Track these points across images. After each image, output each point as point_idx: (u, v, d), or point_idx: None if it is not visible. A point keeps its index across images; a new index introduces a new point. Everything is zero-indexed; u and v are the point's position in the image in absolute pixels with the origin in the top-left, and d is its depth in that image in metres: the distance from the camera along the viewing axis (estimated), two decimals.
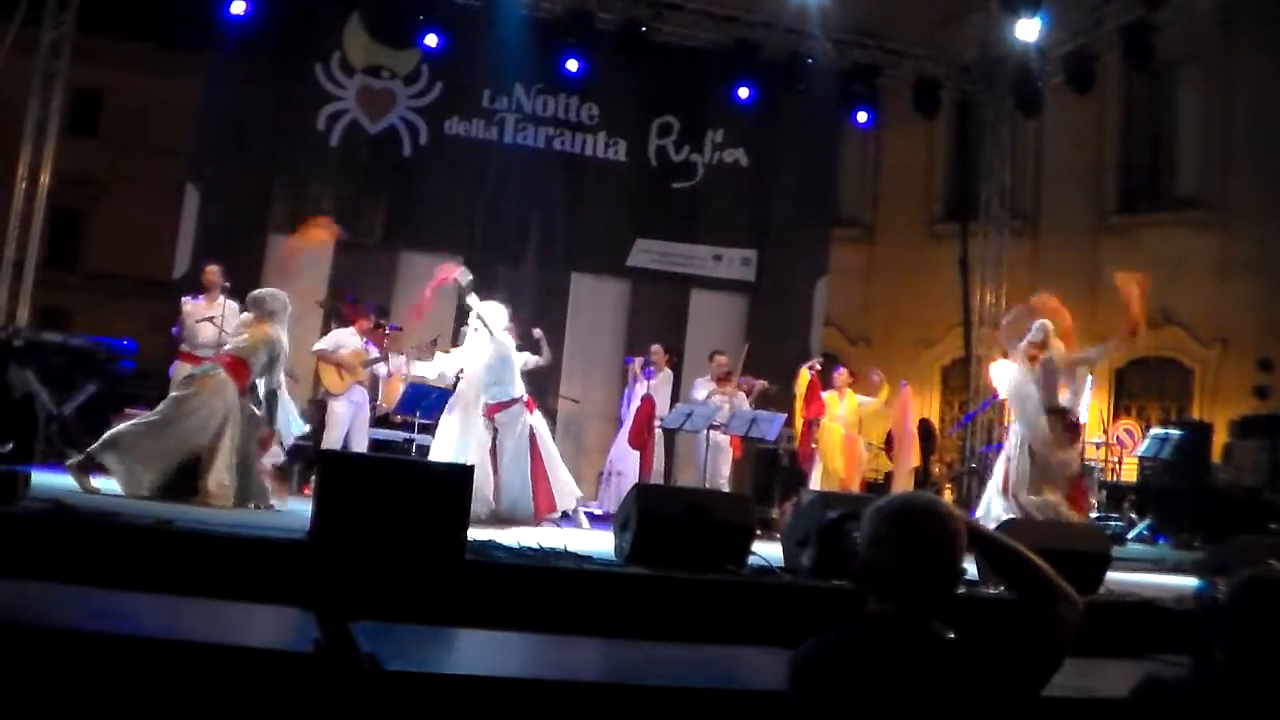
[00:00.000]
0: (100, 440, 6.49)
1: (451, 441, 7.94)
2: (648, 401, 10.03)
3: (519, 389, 8.21)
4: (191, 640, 3.21)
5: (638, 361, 10.63)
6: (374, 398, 9.87)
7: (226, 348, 7.16)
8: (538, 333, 9.01)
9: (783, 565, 5.72)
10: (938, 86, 13.69)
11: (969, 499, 12.30)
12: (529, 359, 8.62)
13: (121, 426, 6.68)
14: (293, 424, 7.31)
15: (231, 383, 6.75)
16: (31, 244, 11.10)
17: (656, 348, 10.78)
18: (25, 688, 2.82)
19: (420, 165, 12.55)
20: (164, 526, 4.59)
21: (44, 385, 8.24)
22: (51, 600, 3.53)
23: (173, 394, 6.94)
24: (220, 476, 6.54)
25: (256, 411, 6.96)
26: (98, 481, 6.39)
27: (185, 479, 6.49)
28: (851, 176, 18.24)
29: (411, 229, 12.53)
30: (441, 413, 9.51)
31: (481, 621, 4.16)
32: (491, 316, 8.07)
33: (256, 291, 7.29)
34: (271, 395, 7.01)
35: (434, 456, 8.05)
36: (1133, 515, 12.00)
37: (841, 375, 10.98)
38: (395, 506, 4.51)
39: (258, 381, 6.96)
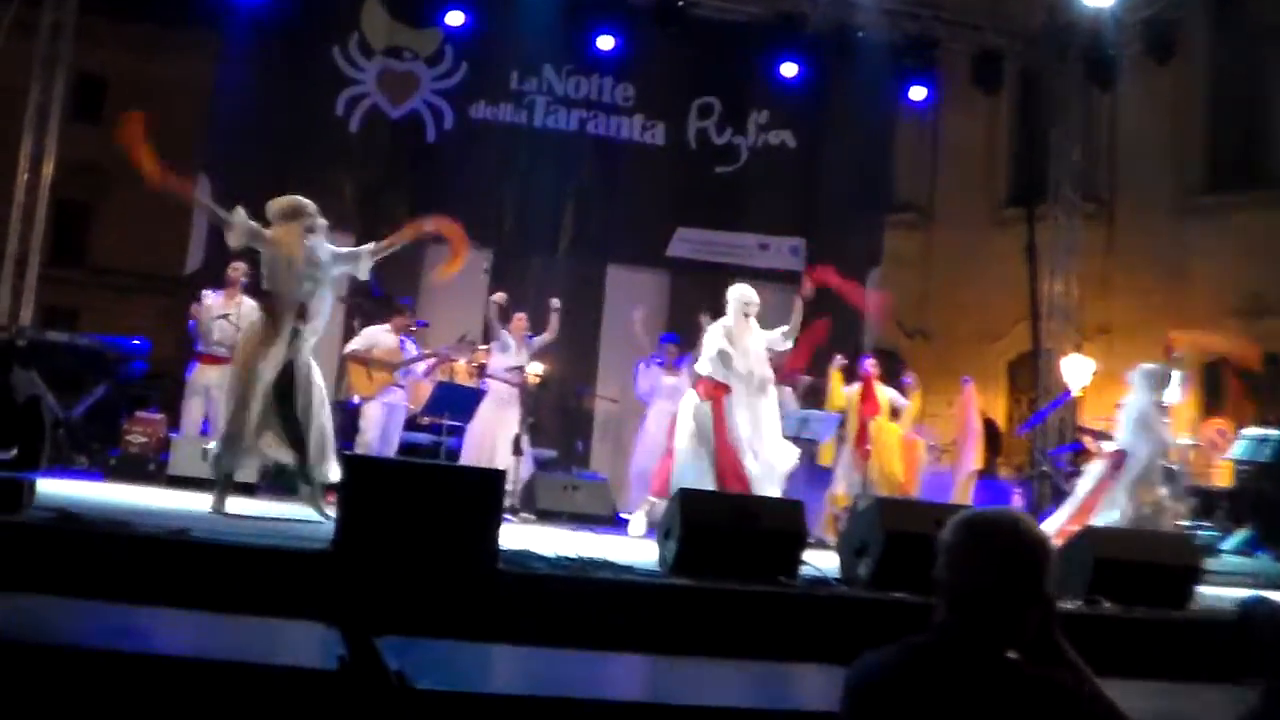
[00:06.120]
0: None
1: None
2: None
3: None
4: (208, 658, 3.24)
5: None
6: None
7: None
8: (555, 303, 9.73)
9: (838, 576, 5.69)
10: (1000, 58, 13.56)
11: (1039, 505, 12.19)
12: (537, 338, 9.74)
13: None
14: None
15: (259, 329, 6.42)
16: (35, 238, 11.24)
17: (669, 347, 10.60)
18: (31, 707, 2.85)
19: (446, 151, 12.60)
20: (178, 537, 4.62)
21: (50, 387, 8.32)
22: (59, 615, 3.57)
23: None
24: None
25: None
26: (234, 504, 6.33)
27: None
28: (907, 158, 18.07)
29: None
30: (471, 414, 9.56)
31: (516, 636, 4.18)
32: None
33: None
34: None
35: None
36: (1229, 524, 11.79)
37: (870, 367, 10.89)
38: (424, 514, 4.51)
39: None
